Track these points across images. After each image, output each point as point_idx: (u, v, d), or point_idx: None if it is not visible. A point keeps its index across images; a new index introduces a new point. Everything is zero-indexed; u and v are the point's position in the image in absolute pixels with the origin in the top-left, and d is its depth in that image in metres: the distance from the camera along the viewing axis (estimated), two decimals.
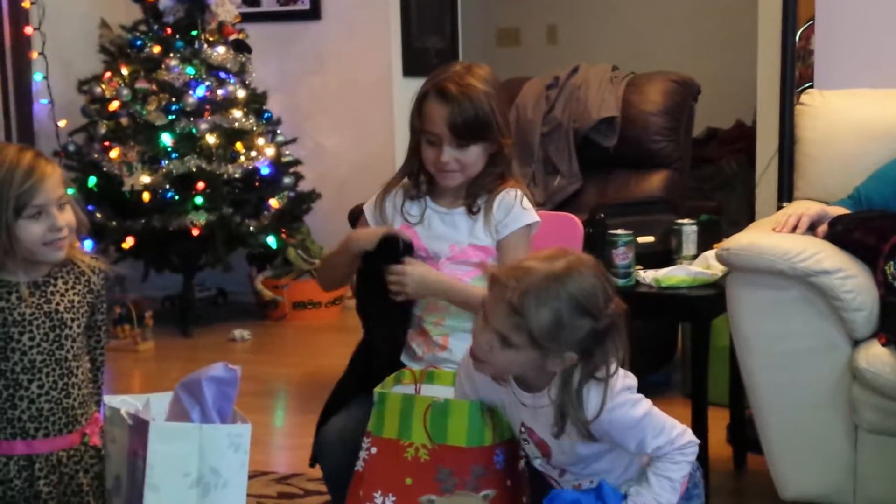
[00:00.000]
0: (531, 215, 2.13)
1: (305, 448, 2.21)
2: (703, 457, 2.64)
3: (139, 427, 1.67)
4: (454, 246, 2.13)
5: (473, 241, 2.13)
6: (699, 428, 2.68)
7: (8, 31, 5.10)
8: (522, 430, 1.80)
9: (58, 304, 1.98)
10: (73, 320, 2.00)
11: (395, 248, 2.08)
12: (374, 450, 1.82)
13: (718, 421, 2.98)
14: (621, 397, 1.72)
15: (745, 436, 2.97)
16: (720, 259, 2.43)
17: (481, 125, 2.08)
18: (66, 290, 2.01)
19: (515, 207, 2.12)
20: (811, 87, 3.25)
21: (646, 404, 1.74)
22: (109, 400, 1.81)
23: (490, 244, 2.12)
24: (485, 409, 1.82)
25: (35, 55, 5.24)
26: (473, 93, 2.07)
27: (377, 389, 1.84)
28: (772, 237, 2.38)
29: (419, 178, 2.18)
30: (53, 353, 1.96)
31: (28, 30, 5.18)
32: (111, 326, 2.12)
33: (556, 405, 1.71)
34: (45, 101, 5.28)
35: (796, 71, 3.31)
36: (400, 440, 1.81)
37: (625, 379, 1.75)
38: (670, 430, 1.74)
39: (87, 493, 1.96)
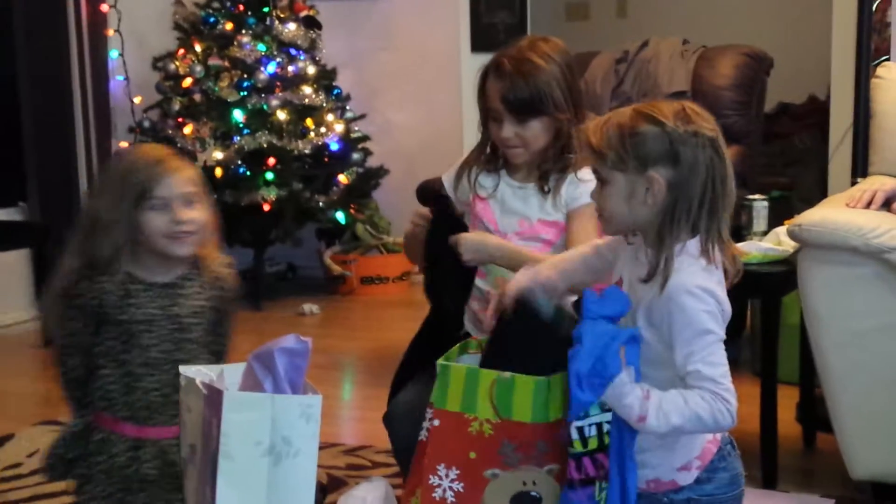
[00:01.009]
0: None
1: (373, 421, 2.24)
2: (771, 435, 2.64)
3: (213, 396, 1.71)
4: (523, 221, 2.14)
5: (543, 217, 2.13)
6: (768, 406, 2.66)
7: (85, 9, 5.20)
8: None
9: (183, 307, 2.04)
10: (195, 325, 2.05)
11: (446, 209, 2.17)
12: (436, 422, 1.83)
13: (788, 399, 2.96)
14: (695, 277, 1.57)
15: (814, 414, 2.94)
16: (792, 235, 2.40)
17: (535, 100, 2.07)
18: (195, 295, 2.06)
19: (585, 185, 2.11)
20: (887, 60, 3.20)
21: (716, 326, 1.58)
22: (185, 370, 1.85)
23: (560, 218, 2.12)
24: (551, 386, 1.83)
25: (111, 32, 5.34)
26: (528, 67, 2.06)
27: (440, 361, 1.84)
28: (845, 213, 2.35)
29: (496, 152, 2.20)
30: (172, 354, 2.02)
31: (104, 7, 5.28)
32: (233, 323, 2.20)
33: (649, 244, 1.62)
34: (120, 77, 5.38)
35: (872, 44, 3.24)
36: (464, 414, 1.82)
37: (709, 273, 1.59)
38: (722, 375, 1.57)
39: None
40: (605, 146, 1.61)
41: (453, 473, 1.81)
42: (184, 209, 2.00)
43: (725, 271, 1.62)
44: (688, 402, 1.56)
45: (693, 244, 1.60)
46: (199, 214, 2.03)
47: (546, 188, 2.13)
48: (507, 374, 1.82)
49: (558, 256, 1.87)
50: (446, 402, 1.82)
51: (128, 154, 2.08)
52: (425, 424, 1.85)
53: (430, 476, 1.82)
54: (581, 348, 1.58)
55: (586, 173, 2.07)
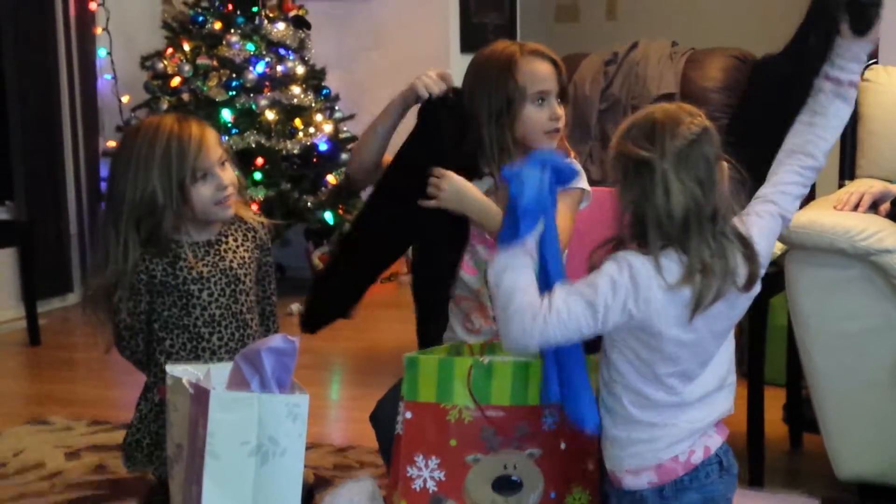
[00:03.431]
0: (586, 185, 2.13)
1: (361, 421, 2.24)
2: (758, 435, 2.65)
3: (200, 396, 1.71)
4: None
5: None
6: (755, 407, 2.67)
7: (73, 7, 5.18)
8: None
9: (231, 260, 2.14)
10: (245, 275, 2.16)
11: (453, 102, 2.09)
12: (409, 414, 1.84)
13: (775, 400, 2.96)
14: (628, 256, 1.61)
15: (801, 415, 2.95)
16: (779, 237, 2.41)
17: (567, 84, 2.16)
18: (237, 247, 2.17)
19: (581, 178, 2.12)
20: (875, 63, 3.19)
21: (606, 280, 1.59)
22: (171, 369, 1.85)
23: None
24: (529, 369, 1.83)
25: (99, 31, 5.32)
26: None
27: (407, 355, 1.85)
28: (833, 215, 2.35)
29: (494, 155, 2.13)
30: (230, 308, 2.13)
31: (92, 5, 5.26)
32: (274, 279, 2.29)
33: None
34: (108, 76, 5.36)
35: None
36: (440, 404, 1.83)
37: (640, 268, 1.58)
38: (566, 301, 1.59)
39: None
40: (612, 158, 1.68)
41: (433, 463, 1.83)
42: (222, 173, 2.10)
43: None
44: (526, 291, 1.59)
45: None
46: (231, 174, 2.13)
47: None
48: (485, 359, 1.84)
49: None
50: (418, 394, 1.84)
51: (153, 130, 2.07)
52: (399, 419, 1.86)
53: (408, 468, 1.83)
54: (523, 184, 1.62)
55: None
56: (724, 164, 1.62)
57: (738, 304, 1.66)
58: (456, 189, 2.01)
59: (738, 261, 1.61)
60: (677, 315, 1.61)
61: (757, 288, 1.66)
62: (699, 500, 1.67)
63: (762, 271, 1.66)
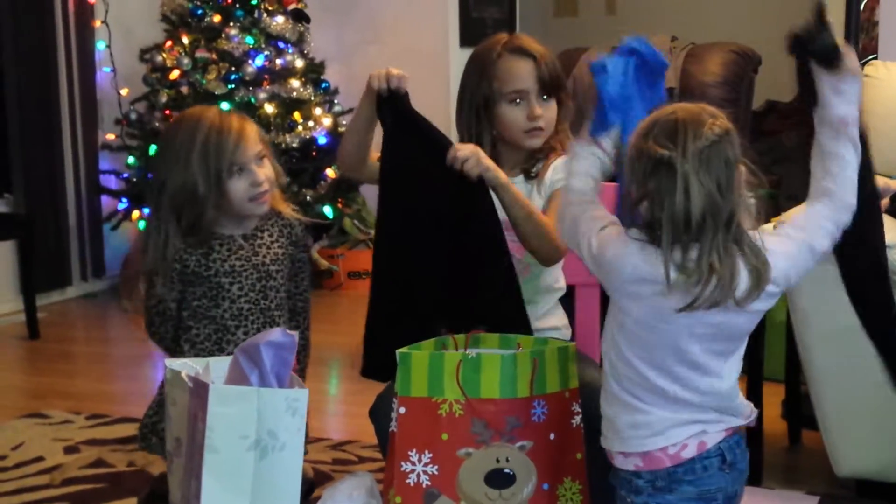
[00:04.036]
0: None
1: (360, 416, 2.24)
2: (757, 431, 2.65)
3: (199, 390, 1.70)
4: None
5: None
6: (754, 403, 2.64)
7: (72, 0, 5.17)
8: None
9: (264, 256, 2.15)
10: (277, 272, 2.17)
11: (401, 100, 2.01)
12: (402, 409, 1.85)
13: (774, 396, 2.97)
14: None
15: (800, 412, 2.95)
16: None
17: (560, 79, 2.12)
18: (272, 243, 2.18)
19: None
20: (875, 58, 3.20)
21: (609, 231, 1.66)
22: (170, 363, 1.85)
23: (543, 207, 2.12)
24: (517, 361, 1.84)
25: (98, 24, 5.31)
26: (544, 49, 2.12)
27: (399, 350, 1.86)
28: None
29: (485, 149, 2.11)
30: (259, 303, 2.14)
31: None
32: (308, 275, 2.29)
33: None
34: (107, 69, 5.36)
35: (860, 42, 3.25)
36: (431, 398, 1.84)
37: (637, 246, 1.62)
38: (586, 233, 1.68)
39: None
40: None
41: (426, 457, 1.84)
42: (259, 169, 2.10)
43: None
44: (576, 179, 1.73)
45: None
46: (269, 170, 2.13)
47: (533, 172, 2.13)
48: (473, 352, 1.85)
49: None
50: (410, 388, 1.85)
51: (195, 121, 2.09)
52: (393, 415, 1.87)
53: (402, 462, 1.84)
54: (608, 75, 1.71)
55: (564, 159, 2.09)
56: (742, 167, 1.61)
57: (732, 316, 1.62)
58: (471, 149, 1.96)
59: (743, 273, 1.59)
60: (659, 306, 1.61)
61: (758, 305, 1.63)
62: (695, 493, 1.66)
63: (771, 289, 1.62)
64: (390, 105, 2.01)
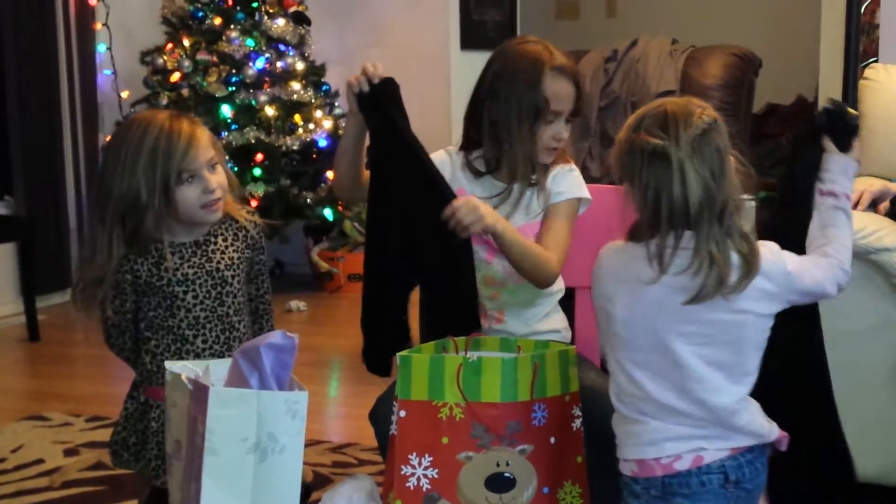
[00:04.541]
0: (585, 192, 2.13)
1: (360, 418, 2.24)
2: None
3: (199, 392, 1.70)
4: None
5: (527, 220, 2.12)
6: None
7: (73, 2, 5.18)
8: None
9: (218, 262, 2.08)
10: (233, 277, 2.10)
11: (390, 90, 1.99)
12: (403, 413, 1.85)
13: None
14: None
15: None
16: None
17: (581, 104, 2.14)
18: (226, 248, 2.11)
19: (572, 181, 2.12)
20: (875, 61, 3.20)
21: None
22: (170, 365, 1.84)
23: (541, 217, 2.12)
24: (518, 366, 1.84)
25: (99, 26, 5.32)
26: (577, 70, 2.13)
27: (400, 354, 1.86)
28: None
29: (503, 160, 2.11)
30: (216, 310, 2.07)
31: (92, 1, 5.26)
32: (268, 277, 2.25)
33: None
34: (108, 71, 5.36)
35: (860, 45, 3.25)
36: (432, 401, 1.84)
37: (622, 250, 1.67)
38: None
39: None
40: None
41: (426, 461, 1.83)
42: (210, 176, 2.03)
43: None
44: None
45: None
46: (222, 177, 2.07)
47: (532, 179, 2.13)
48: (474, 356, 1.85)
49: None
50: (410, 392, 1.84)
51: (144, 126, 2.01)
52: (393, 418, 1.87)
53: (402, 466, 1.83)
54: None
55: (564, 169, 2.12)
56: (732, 158, 1.63)
57: (722, 315, 1.61)
58: (471, 208, 1.93)
59: (734, 259, 1.60)
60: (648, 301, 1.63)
61: (749, 304, 1.62)
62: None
63: (764, 285, 1.62)
64: (375, 103, 1.99)
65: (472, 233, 1.94)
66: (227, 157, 4.77)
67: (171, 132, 1.99)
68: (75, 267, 5.17)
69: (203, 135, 2.03)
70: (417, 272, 2.04)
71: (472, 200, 1.95)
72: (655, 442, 1.65)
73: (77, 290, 2.10)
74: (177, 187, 2.00)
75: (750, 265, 1.60)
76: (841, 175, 1.76)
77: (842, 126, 1.81)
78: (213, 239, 2.09)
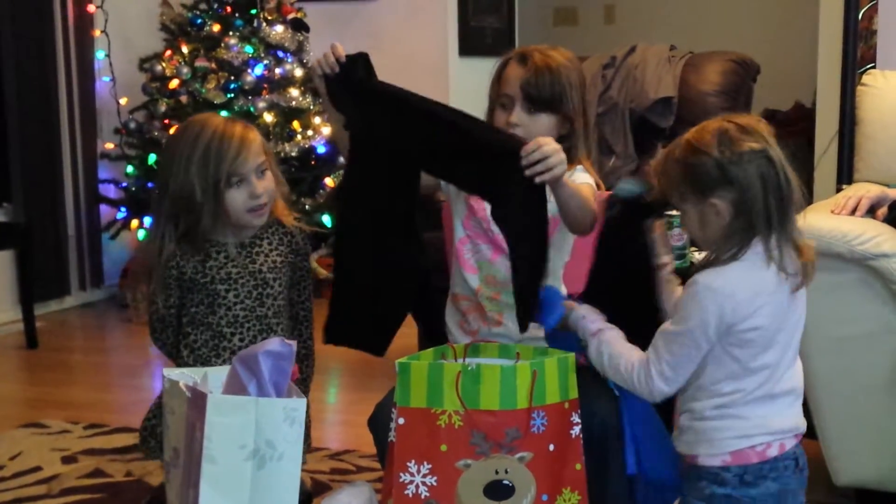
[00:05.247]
0: (595, 187, 2.11)
1: (358, 425, 2.24)
2: None
3: (197, 400, 1.70)
4: None
5: None
6: None
7: (71, 9, 5.18)
8: None
9: (262, 264, 2.16)
10: (274, 280, 2.17)
11: (362, 68, 1.99)
12: (402, 420, 1.84)
13: None
14: (717, 276, 1.71)
15: None
16: None
17: (554, 95, 2.09)
18: (271, 251, 2.18)
19: (585, 175, 2.10)
20: (873, 67, 3.21)
21: (694, 325, 1.71)
22: (168, 373, 1.85)
23: (555, 213, 2.11)
24: (517, 373, 1.84)
25: (97, 33, 5.32)
26: (553, 63, 2.10)
27: (399, 360, 1.86)
28: (830, 219, 2.35)
29: None
30: (255, 310, 2.15)
31: (91, 8, 5.26)
32: (311, 284, 2.31)
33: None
34: (106, 78, 5.36)
35: (858, 51, 3.26)
36: (431, 409, 1.84)
37: (746, 272, 1.70)
38: (663, 360, 1.74)
39: None
40: (668, 186, 1.77)
41: (425, 468, 1.83)
42: (258, 181, 2.10)
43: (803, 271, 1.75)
44: (622, 354, 1.79)
45: (755, 247, 1.72)
46: (270, 183, 2.13)
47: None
48: (473, 363, 1.84)
49: None
50: (409, 399, 1.84)
51: (199, 127, 2.09)
52: (392, 425, 1.86)
53: (401, 474, 1.83)
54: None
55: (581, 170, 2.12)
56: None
57: (796, 301, 1.78)
58: (556, 146, 1.84)
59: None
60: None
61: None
62: (776, 490, 1.75)
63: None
64: (348, 84, 1.99)
65: (553, 176, 1.83)
66: None
67: (223, 135, 2.06)
68: (77, 274, 5.17)
69: (255, 140, 2.10)
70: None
71: (557, 146, 1.84)
72: (748, 433, 1.75)
73: (129, 279, 2.19)
74: (226, 190, 2.07)
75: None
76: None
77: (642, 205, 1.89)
78: (258, 241, 2.16)
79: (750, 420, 1.74)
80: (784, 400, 1.77)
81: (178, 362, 2.20)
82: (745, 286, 1.70)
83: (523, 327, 1.94)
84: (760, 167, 1.69)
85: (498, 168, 1.89)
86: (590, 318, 1.87)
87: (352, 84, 2.00)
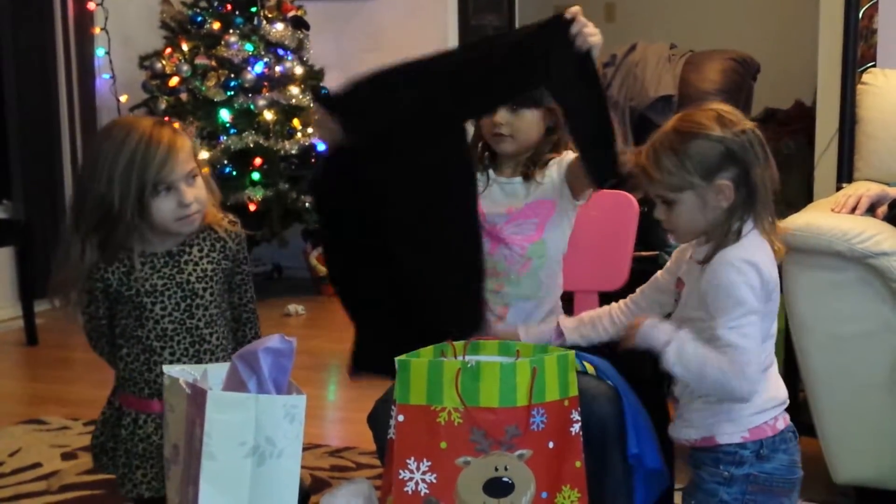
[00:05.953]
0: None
1: (358, 422, 2.24)
2: None
3: (197, 396, 1.70)
4: (511, 208, 2.15)
5: (528, 200, 2.13)
6: None
7: (71, 7, 5.18)
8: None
9: (190, 274, 2.03)
10: (205, 290, 2.04)
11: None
12: (401, 417, 1.84)
13: None
14: (741, 251, 1.75)
15: (798, 419, 2.94)
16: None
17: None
18: (201, 259, 2.05)
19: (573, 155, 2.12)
20: (873, 66, 3.21)
21: (752, 298, 1.73)
22: (168, 370, 1.84)
23: (550, 195, 2.12)
24: (517, 370, 1.84)
25: (97, 30, 5.32)
26: None
27: (398, 358, 1.86)
28: (830, 218, 2.36)
29: (483, 152, 2.20)
30: (185, 323, 2.02)
31: (91, 5, 5.26)
32: (251, 286, 2.19)
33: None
34: (107, 76, 5.36)
35: (858, 50, 3.25)
36: (430, 406, 1.83)
37: (758, 248, 1.77)
38: (748, 347, 1.73)
39: None
40: (664, 174, 1.77)
41: (425, 465, 1.83)
42: (188, 189, 1.98)
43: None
44: (707, 362, 1.74)
45: (750, 224, 1.78)
46: (200, 190, 2.02)
47: (530, 173, 2.13)
48: (473, 361, 1.84)
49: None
50: (409, 396, 1.84)
51: (125, 132, 1.95)
52: (391, 422, 1.86)
53: (400, 471, 1.83)
54: None
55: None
56: None
57: None
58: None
59: None
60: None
61: None
62: (787, 461, 1.83)
63: None
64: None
65: (599, 40, 1.91)
66: (225, 162, 4.82)
67: (150, 141, 1.93)
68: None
69: (184, 146, 1.98)
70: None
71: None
72: (762, 409, 1.82)
73: (53, 290, 2.08)
74: (152, 198, 1.95)
75: None
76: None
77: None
78: (187, 249, 2.04)
79: (762, 394, 1.80)
80: (774, 370, 1.85)
81: (116, 374, 2.11)
82: (764, 252, 1.77)
83: (600, 182, 2.01)
84: (757, 145, 1.77)
85: (535, 60, 1.94)
86: (660, 329, 1.83)
87: (362, 107, 2.03)
